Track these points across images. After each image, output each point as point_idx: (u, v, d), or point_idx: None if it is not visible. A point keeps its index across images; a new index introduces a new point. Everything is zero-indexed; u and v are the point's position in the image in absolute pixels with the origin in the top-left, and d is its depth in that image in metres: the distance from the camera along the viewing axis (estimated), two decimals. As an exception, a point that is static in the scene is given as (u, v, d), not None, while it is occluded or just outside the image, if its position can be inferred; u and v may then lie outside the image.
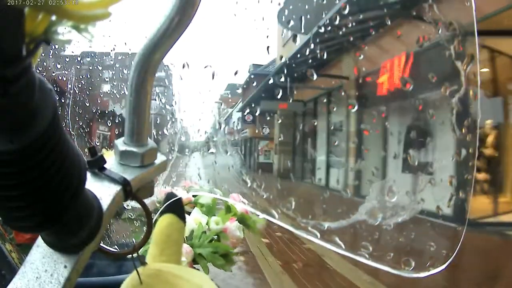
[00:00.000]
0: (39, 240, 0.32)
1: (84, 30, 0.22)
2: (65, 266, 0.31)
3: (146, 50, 0.35)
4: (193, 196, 1.06)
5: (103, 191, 0.34)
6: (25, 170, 0.23)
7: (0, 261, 0.72)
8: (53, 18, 0.20)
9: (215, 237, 0.98)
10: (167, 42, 0.34)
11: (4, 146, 0.21)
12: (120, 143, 0.38)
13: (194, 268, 0.89)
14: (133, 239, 0.42)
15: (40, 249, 0.31)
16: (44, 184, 0.24)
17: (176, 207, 0.53)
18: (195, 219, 0.98)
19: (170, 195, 0.53)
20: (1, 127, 0.21)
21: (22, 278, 0.30)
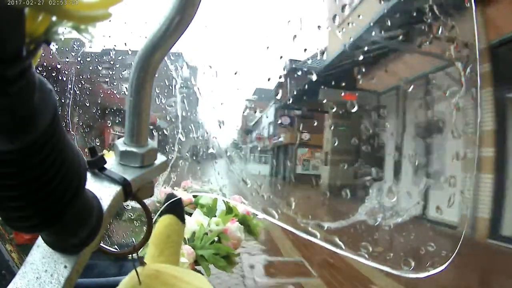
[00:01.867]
0: (39, 240, 0.32)
1: (85, 30, 0.22)
2: (65, 266, 0.31)
3: (146, 50, 0.35)
4: (194, 196, 1.06)
5: (103, 191, 0.34)
6: (25, 170, 0.23)
7: (0, 261, 0.72)
8: (54, 18, 0.20)
9: (216, 238, 0.98)
10: (167, 42, 0.34)
11: (4, 146, 0.21)
12: (120, 144, 0.38)
13: (196, 269, 0.89)
14: (133, 239, 0.42)
15: (40, 249, 0.31)
16: (44, 184, 0.24)
17: (176, 208, 0.53)
18: (196, 221, 0.99)
19: (170, 196, 0.54)
20: (1, 127, 0.21)
21: (22, 278, 0.30)
